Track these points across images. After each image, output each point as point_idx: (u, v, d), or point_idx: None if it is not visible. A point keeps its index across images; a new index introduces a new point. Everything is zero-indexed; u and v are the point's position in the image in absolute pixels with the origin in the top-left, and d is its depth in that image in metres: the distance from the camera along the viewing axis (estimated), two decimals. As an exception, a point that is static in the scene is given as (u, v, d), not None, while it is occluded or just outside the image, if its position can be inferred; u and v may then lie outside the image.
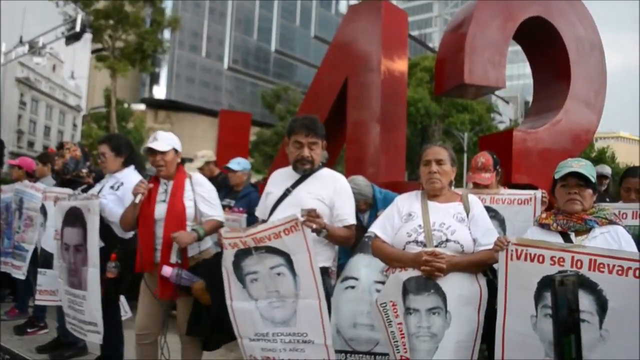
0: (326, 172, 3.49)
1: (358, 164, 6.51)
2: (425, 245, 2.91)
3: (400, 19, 7.13)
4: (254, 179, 7.27)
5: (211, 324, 3.64)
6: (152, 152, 3.77)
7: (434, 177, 3.09)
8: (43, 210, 5.09)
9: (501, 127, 45.47)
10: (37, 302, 5.06)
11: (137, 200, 3.67)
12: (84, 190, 4.63)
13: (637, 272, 2.32)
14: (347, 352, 3.26)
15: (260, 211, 3.56)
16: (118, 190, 4.14)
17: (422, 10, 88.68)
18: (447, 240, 2.91)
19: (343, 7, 64.96)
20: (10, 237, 5.81)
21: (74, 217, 4.03)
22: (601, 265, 2.40)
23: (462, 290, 2.86)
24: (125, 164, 4.32)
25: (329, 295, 3.25)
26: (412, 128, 35.40)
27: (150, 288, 3.76)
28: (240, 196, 5.90)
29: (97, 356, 4.55)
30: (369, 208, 4.72)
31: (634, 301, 2.31)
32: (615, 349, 2.34)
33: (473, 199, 3.17)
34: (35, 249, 5.37)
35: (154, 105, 58.01)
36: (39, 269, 4.87)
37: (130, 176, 4.21)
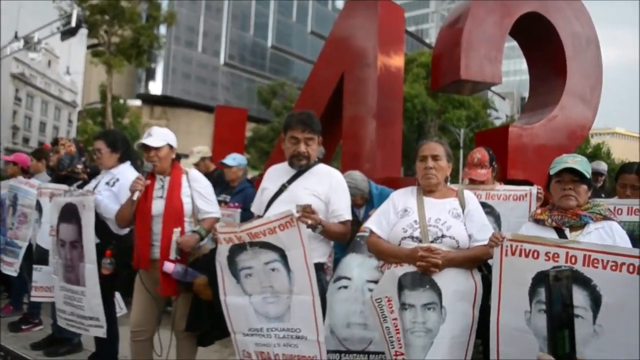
0: (322, 167, 3.49)
1: (354, 159, 6.51)
2: (420, 241, 2.92)
3: (397, 14, 7.12)
4: (250, 174, 7.27)
5: (211, 319, 3.64)
6: (145, 148, 3.76)
7: (430, 172, 3.10)
8: (38, 207, 5.08)
9: (497, 123, 45.49)
10: (32, 299, 5.05)
11: (134, 198, 3.66)
12: (80, 186, 4.62)
13: (631, 267, 2.33)
14: (342, 352, 3.27)
15: (256, 207, 3.55)
16: (114, 187, 4.13)
17: (419, 6, 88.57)
18: (443, 236, 2.92)
19: (340, 3, 64.87)
20: (3, 234, 5.79)
21: (69, 213, 4.02)
22: (595, 261, 2.41)
23: (457, 286, 2.87)
24: (121, 160, 4.30)
25: (324, 291, 3.25)
26: (408, 124, 35.40)
27: (145, 285, 3.76)
28: (235, 191, 5.90)
29: (92, 353, 4.55)
30: (365, 203, 4.72)
31: (628, 297, 2.32)
32: (608, 344, 2.35)
33: (469, 194, 3.18)
34: (30, 246, 5.35)
35: (150, 101, 57.87)
36: (34, 266, 4.85)
37: (126, 172, 4.20)
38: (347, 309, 3.24)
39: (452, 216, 3.02)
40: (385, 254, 3.06)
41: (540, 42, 6.33)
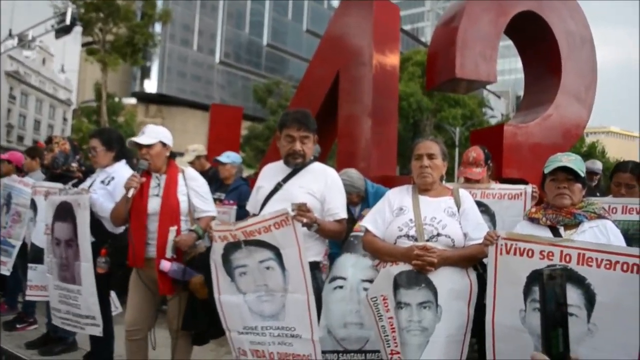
0: (317, 166, 3.49)
1: (349, 158, 6.50)
2: (416, 240, 2.93)
3: (392, 13, 7.12)
4: (245, 173, 7.26)
5: (206, 318, 3.64)
6: (138, 146, 3.76)
7: (426, 171, 3.10)
8: (33, 205, 5.06)
9: (493, 121, 45.57)
10: (27, 298, 5.03)
11: (129, 195, 3.65)
12: (75, 185, 4.60)
13: (625, 266, 2.34)
14: (339, 352, 3.27)
15: (251, 205, 3.55)
16: (109, 185, 4.11)
17: (414, 5, 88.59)
18: (438, 235, 2.93)
19: (335, 2, 64.78)
20: (-4, 233, 5.77)
21: (64, 212, 4.01)
22: (589, 260, 2.42)
23: (452, 285, 2.88)
24: (116, 159, 4.29)
25: (320, 289, 3.26)
26: (404, 122, 35.44)
27: (146, 283, 3.75)
28: (230, 189, 5.90)
29: (87, 352, 4.54)
30: (361, 201, 4.72)
31: (622, 295, 2.33)
32: (603, 342, 2.36)
33: (464, 193, 3.18)
34: (25, 245, 5.33)
35: (145, 99, 57.72)
36: (29, 264, 4.83)
37: (121, 171, 4.18)
38: (344, 308, 3.24)
39: (448, 215, 3.02)
40: (380, 253, 3.06)
41: (535, 40, 6.35)
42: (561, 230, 2.83)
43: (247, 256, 3.15)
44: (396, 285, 2.91)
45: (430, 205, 3.07)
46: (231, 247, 3.20)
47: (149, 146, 3.75)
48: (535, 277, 2.50)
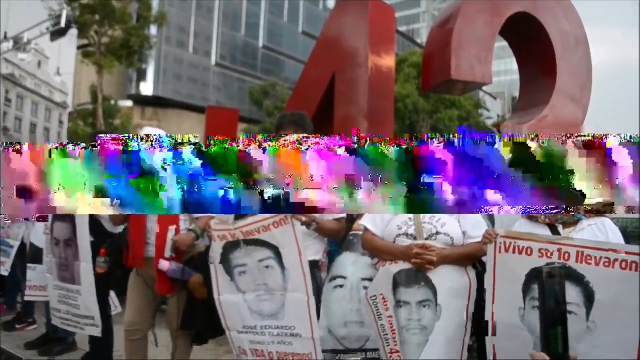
0: (315, 166, 3.49)
1: (346, 159, 6.50)
2: (415, 238, 2.94)
3: (388, 14, 7.14)
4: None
5: (205, 318, 3.65)
6: None
7: (423, 170, 3.11)
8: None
9: (489, 122, 45.64)
10: (26, 298, 5.03)
11: None
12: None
13: (624, 264, 2.35)
14: (340, 351, 3.28)
15: (250, 206, 3.54)
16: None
17: (410, 6, 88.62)
18: (437, 233, 2.94)
19: (331, 3, 64.68)
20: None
21: (63, 212, 4.00)
22: (588, 257, 2.43)
23: (452, 283, 2.89)
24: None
25: (319, 288, 3.27)
26: (400, 124, 35.43)
27: (146, 283, 3.75)
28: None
29: (87, 352, 4.53)
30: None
31: (621, 293, 2.34)
32: (602, 340, 2.37)
33: (462, 192, 3.19)
34: (24, 245, 5.33)
35: (141, 101, 57.52)
36: (29, 265, 4.84)
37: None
38: (344, 308, 3.24)
39: (446, 213, 3.04)
40: (380, 252, 3.07)
41: (530, 41, 6.38)
42: (560, 228, 2.85)
43: (247, 255, 3.15)
44: (396, 284, 2.92)
45: (429, 204, 3.07)
46: (230, 247, 3.20)
47: None
48: (534, 275, 2.51)
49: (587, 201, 1.46)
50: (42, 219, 4.17)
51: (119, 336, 4.04)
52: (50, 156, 1.46)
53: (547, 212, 1.43)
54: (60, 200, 1.48)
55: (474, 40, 5.84)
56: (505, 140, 1.47)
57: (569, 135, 1.51)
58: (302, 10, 68.70)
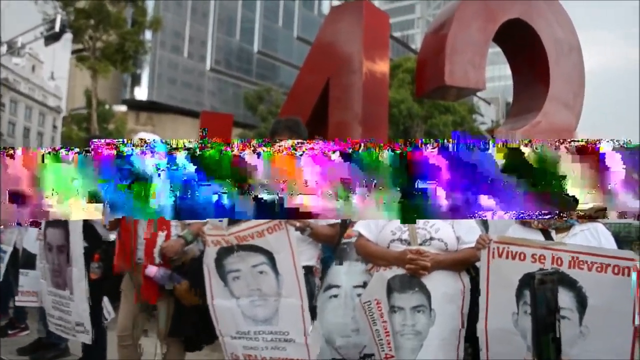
0: (309, 171, 3.49)
1: (341, 164, 6.51)
2: (409, 244, 2.94)
3: (382, 20, 7.17)
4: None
5: (194, 324, 3.63)
6: None
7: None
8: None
9: (483, 128, 45.76)
10: (17, 303, 5.00)
11: None
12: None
13: (616, 269, 2.36)
14: None
15: (244, 211, 3.53)
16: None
17: (404, 12, 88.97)
18: (431, 239, 2.94)
19: (326, 8, 64.79)
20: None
21: (56, 217, 3.98)
22: (581, 263, 2.45)
23: (446, 288, 2.89)
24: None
25: (313, 294, 3.26)
26: (394, 129, 35.48)
27: (137, 288, 3.74)
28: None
29: (79, 358, 4.50)
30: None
31: (614, 298, 2.35)
32: (594, 345, 2.38)
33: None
34: (17, 250, 5.30)
35: (136, 106, 57.43)
36: (21, 270, 4.81)
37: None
38: (340, 316, 3.24)
39: (440, 219, 3.04)
40: (374, 257, 3.08)
41: (524, 48, 6.41)
42: (553, 233, 2.86)
43: (241, 261, 3.15)
44: (390, 289, 2.92)
45: (422, 209, 3.07)
46: (224, 252, 3.20)
47: None
48: (527, 281, 2.51)
49: (579, 206, 1.46)
50: (35, 224, 4.15)
51: (112, 342, 4.01)
52: (43, 161, 1.45)
53: (540, 217, 1.43)
54: (53, 206, 1.47)
55: (468, 46, 5.87)
56: (499, 145, 1.47)
57: (562, 141, 1.52)
58: (297, 16, 68.86)
